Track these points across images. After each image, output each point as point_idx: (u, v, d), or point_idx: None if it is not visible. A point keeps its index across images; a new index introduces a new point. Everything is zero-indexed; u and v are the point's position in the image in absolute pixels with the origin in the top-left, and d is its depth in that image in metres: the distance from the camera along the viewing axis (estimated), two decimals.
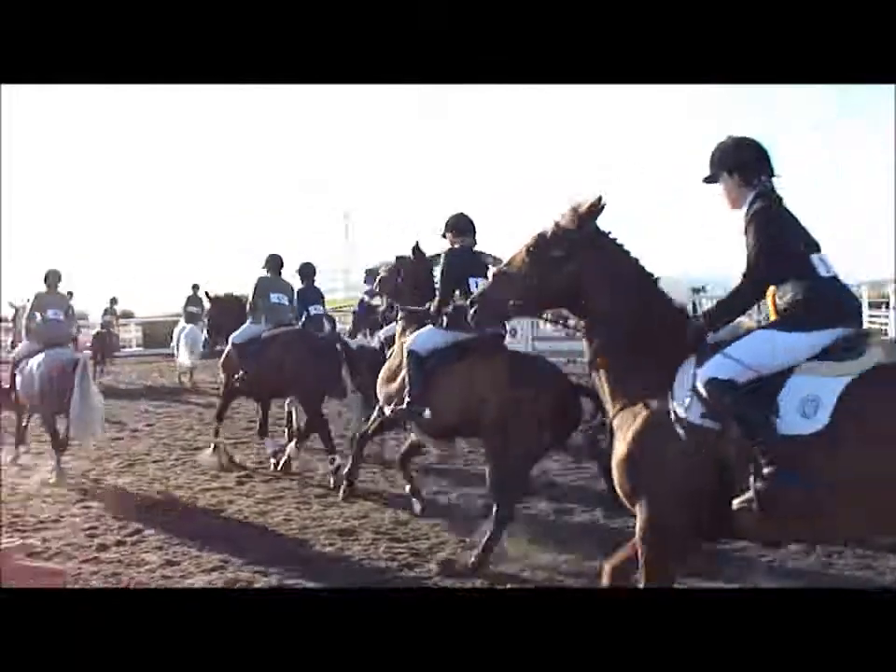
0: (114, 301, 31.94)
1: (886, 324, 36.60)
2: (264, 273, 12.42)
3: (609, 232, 5.16)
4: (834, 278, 4.84)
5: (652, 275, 5.22)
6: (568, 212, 5.08)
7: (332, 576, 6.97)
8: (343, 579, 6.88)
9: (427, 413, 7.87)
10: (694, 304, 24.65)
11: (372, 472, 11.12)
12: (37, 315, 11.82)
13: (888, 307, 36.81)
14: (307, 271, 12.80)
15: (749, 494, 4.47)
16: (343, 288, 54.57)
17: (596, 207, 5.05)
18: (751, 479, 4.46)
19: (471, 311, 5.42)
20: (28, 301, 12.51)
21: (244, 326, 12.11)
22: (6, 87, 4.06)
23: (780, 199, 4.96)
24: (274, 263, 12.45)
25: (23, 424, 12.33)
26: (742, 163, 4.96)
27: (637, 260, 5.22)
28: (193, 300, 24.13)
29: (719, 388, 4.63)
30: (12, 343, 14.10)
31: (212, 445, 12.04)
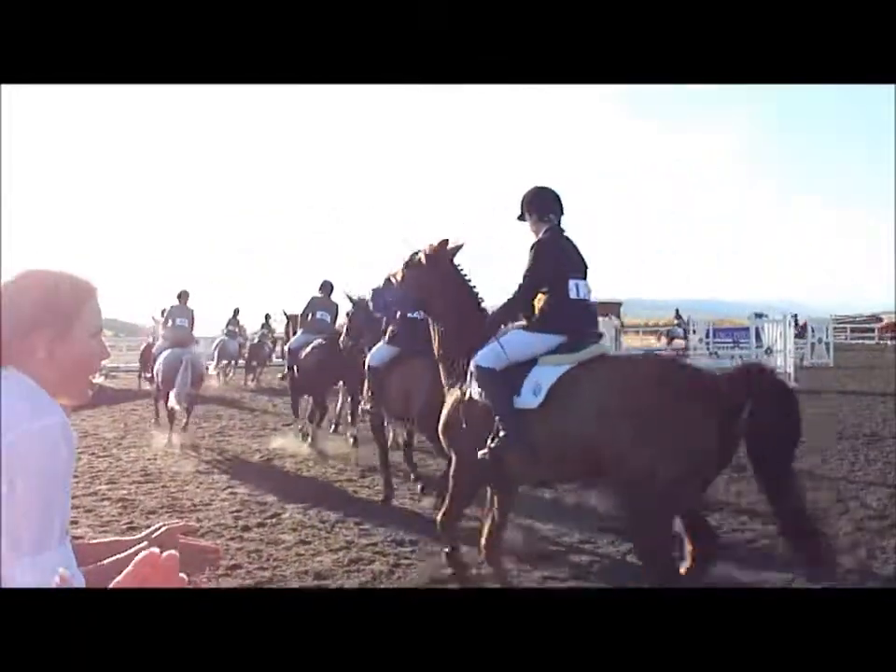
0: (268, 317, 34.07)
1: None
2: (317, 293, 15.44)
3: (457, 264, 7.21)
4: (582, 300, 6.60)
5: (477, 295, 7.14)
6: (431, 245, 7.17)
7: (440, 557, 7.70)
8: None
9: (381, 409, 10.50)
10: (757, 329, 25.52)
11: None
12: (170, 321, 15.59)
13: None
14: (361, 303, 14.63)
15: (485, 449, 6.29)
16: None
17: (444, 247, 7.13)
18: (489, 439, 6.27)
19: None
20: (164, 311, 16.62)
21: (295, 336, 15.63)
22: (5, 87, 3.84)
23: (562, 231, 6.76)
24: (326, 287, 15.42)
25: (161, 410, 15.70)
26: (538, 206, 6.79)
27: (467, 282, 7.15)
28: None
29: (481, 372, 6.40)
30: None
31: (301, 434, 14.89)
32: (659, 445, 5.45)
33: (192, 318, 16.24)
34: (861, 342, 49.43)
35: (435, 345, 7.26)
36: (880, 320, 53.63)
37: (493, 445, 6.27)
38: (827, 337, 34.98)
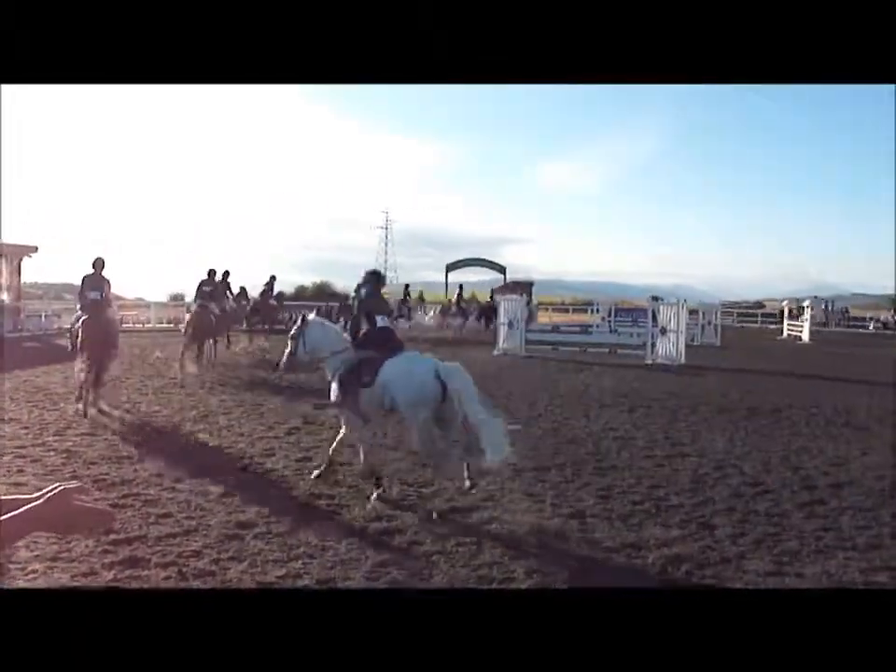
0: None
1: (801, 331, 39.14)
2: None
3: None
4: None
5: None
6: None
7: (361, 505, 7.84)
8: (367, 509, 7.76)
9: None
10: (654, 310, 25.90)
11: (392, 429, 11.75)
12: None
13: (802, 319, 39.55)
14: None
15: None
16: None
17: None
18: None
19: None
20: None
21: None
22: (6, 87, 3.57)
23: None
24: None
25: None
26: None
27: None
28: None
29: None
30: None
31: None
32: None
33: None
34: (745, 325, 50.56)
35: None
36: (763, 307, 55.23)
37: None
38: (715, 320, 35.61)
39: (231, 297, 24.88)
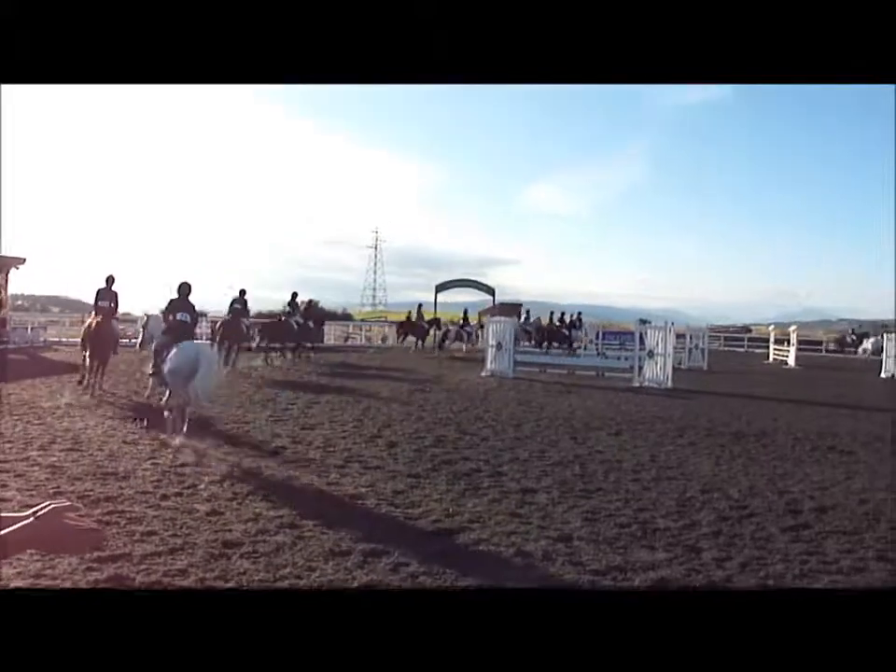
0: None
1: (787, 356, 39.34)
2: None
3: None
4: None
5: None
6: None
7: (348, 525, 7.79)
8: (353, 530, 7.69)
9: None
10: (641, 333, 26.02)
11: (380, 450, 11.97)
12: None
13: (789, 343, 39.77)
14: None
15: None
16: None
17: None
18: None
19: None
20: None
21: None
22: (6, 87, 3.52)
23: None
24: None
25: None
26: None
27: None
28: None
29: None
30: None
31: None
32: None
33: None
34: (732, 349, 50.88)
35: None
36: (749, 331, 55.73)
37: None
38: (703, 344, 35.76)
39: (299, 314, 29.65)
